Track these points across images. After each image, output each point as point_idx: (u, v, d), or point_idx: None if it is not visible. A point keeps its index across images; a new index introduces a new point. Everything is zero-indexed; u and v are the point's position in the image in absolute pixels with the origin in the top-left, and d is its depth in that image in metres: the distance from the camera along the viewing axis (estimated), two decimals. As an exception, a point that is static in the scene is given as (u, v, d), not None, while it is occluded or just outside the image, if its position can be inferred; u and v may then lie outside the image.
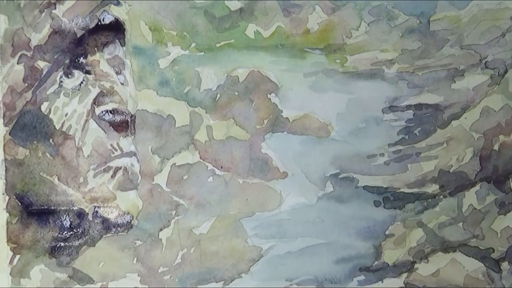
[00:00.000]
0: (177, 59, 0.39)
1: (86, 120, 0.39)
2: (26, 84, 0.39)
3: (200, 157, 0.39)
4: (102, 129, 0.40)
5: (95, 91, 0.39)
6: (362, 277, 0.40)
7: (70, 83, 0.39)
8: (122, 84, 0.39)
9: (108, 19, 0.39)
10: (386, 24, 0.39)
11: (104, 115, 0.39)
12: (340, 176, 0.40)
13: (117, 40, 0.39)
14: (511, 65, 0.40)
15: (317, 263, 0.40)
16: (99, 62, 0.39)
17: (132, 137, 0.39)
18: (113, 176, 0.40)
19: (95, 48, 0.39)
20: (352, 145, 0.40)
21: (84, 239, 0.40)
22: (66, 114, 0.39)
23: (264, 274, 0.40)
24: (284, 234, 0.40)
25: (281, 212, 0.40)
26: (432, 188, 0.40)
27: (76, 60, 0.39)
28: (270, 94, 0.39)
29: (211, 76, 0.39)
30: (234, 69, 0.39)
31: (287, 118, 0.39)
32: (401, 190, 0.40)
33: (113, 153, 0.40)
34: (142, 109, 0.39)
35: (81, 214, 0.40)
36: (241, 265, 0.40)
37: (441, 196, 0.40)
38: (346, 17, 0.39)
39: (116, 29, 0.39)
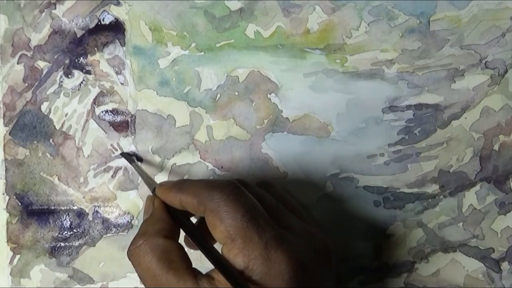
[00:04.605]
0: (177, 59, 0.39)
1: (86, 120, 0.39)
2: (26, 84, 0.39)
3: (201, 157, 0.39)
4: (102, 129, 0.40)
5: (95, 91, 0.39)
6: (362, 277, 0.40)
7: (70, 83, 0.39)
8: (122, 84, 0.39)
9: (108, 19, 0.39)
10: (386, 24, 0.39)
11: (104, 115, 0.39)
12: (340, 176, 0.40)
13: (117, 40, 0.39)
14: (511, 65, 0.40)
15: (317, 263, 0.40)
16: (99, 62, 0.39)
17: (132, 137, 0.40)
18: (113, 176, 0.40)
19: (95, 48, 0.39)
20: (352, 145, 0.40)
21: (84, 239, 0.40)
22: (66, 114, 0.39)
23: (264, 274, 0.40)
24: (284, 234, 0.40)
25: (281, 212, 0.40)
26: (432, 188, 0.40)
27: (76, 60, 0.39)
28: (270, 94, 0.39)
29: (211, 76, 0.39)
30: (234, 69, 0.39)
31: (287, 118, 0.39)
32: (401, 190, 0.40)
33: (113, 153, 0.40)
34: (142, 109, 0.39)
35: (81, 214, 0.40)
36: (241, 265, 0.40)
37: (441, 196, 0.40)
38: (346, 17, 0.39)
39: (116, 29, 0.39)
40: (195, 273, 0.29)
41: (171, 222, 0.31)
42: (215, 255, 0.28)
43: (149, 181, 0.35)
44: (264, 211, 0.30)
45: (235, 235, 0.28)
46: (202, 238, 0.30)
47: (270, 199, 0.33)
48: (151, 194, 0.34)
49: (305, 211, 0.36)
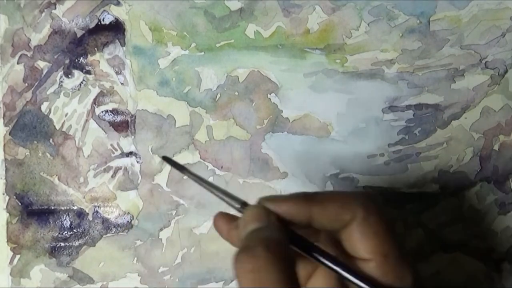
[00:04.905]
0: (177, 59, 0.39)
1: (86, 120, 0.39)
2: (26, 84, 0.39)
3: (200, 157, 0.39)
4: (102, 129, 0.40)
5: (95, 91, 0.39)
6: (362, 277, 0.40)
7: (70, 83, 0.39)
8: (122, 84, 0.39)
9: (108, 19, 0.39)
10: (386, 24, 0.39)
11: (104, 115, 0.39)
12: (340, 176, 0.40)
13: (117, 40, 0.39)
14: (511, 65, 0.40)
15: (317, 263, 0.40)
16: (99, 62, 0.39)
17: (132, 137, 0.40)
18: (113, 176, 0.40)
19: (95, 48, 0.39)
20: (352, 145, 0.40)
21: (84, 239, 0.40)
22: (66, 114, 0.39)
23: (264, 274, 0.40)
24: (284, 234, 0.40)
25: (281, 212, 0.40)
26: (432, 188, 0.40)
27: (76, 60, 0.39)
28: (270, 94, 0.39)
29: (211, 76, 0.39)
30: (234, 69, 0.39)
31: (287, 118, 0.39)
32: (401, 190, 0.40)
33: (113, 153, 0.40)
34: (142, 109, 0.39)
35: (81, 214, 0.40)
36: (241, 265, 0.40)
37: (441, 196, 0.40)
38: (346, 17, 0.39)
39: (116, 29, 0.39)
40: None
41: (286, 235, 0.27)
42: (358, 273, 0.26)
43: (229, 195, 0.31)
44: None
45: (389, 251, 0.26)
46: (328, 253, 0.27)
47: None
48: (237, 208, 0.30)
49: None
